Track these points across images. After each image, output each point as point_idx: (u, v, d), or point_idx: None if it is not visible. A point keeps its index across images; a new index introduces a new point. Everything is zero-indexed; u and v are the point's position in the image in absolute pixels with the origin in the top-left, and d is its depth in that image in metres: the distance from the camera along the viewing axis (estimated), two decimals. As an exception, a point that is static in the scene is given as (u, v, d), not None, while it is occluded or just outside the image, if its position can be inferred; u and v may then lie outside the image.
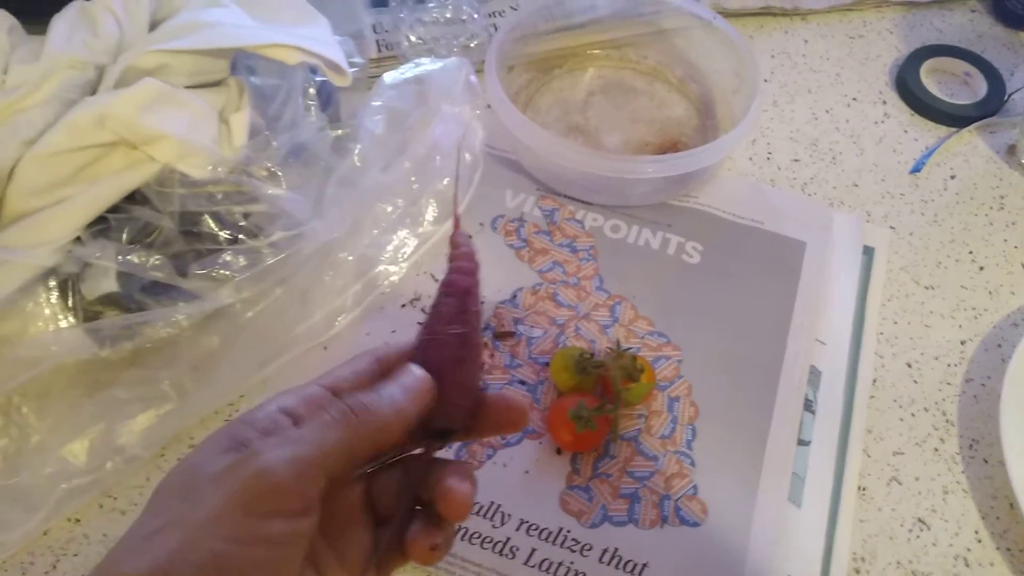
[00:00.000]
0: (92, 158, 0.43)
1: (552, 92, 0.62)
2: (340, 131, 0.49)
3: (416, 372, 0.28)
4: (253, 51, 0.44)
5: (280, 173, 0.44)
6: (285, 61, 0.45)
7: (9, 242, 0.43)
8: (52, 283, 0.43)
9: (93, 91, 0.45)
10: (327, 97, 0.52)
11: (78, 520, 0.43)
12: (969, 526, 0.44)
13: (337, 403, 0.26)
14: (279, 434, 0.25)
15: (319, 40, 0.47)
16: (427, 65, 0.50)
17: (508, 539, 0.42)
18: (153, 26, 0.48)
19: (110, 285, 0.43)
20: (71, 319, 0.43)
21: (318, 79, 0.50)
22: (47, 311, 0.43)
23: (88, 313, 0.43)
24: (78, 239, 0.43)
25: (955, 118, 0.62)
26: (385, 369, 0.29)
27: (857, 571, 0.42)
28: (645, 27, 0.62)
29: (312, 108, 0.47)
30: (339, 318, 0.49)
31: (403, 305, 0.50)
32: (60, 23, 0.46)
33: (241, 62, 0.48)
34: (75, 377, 0.45)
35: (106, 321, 0.42)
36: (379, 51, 0.60)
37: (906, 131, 0.62)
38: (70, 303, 0.43)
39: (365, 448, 0.26)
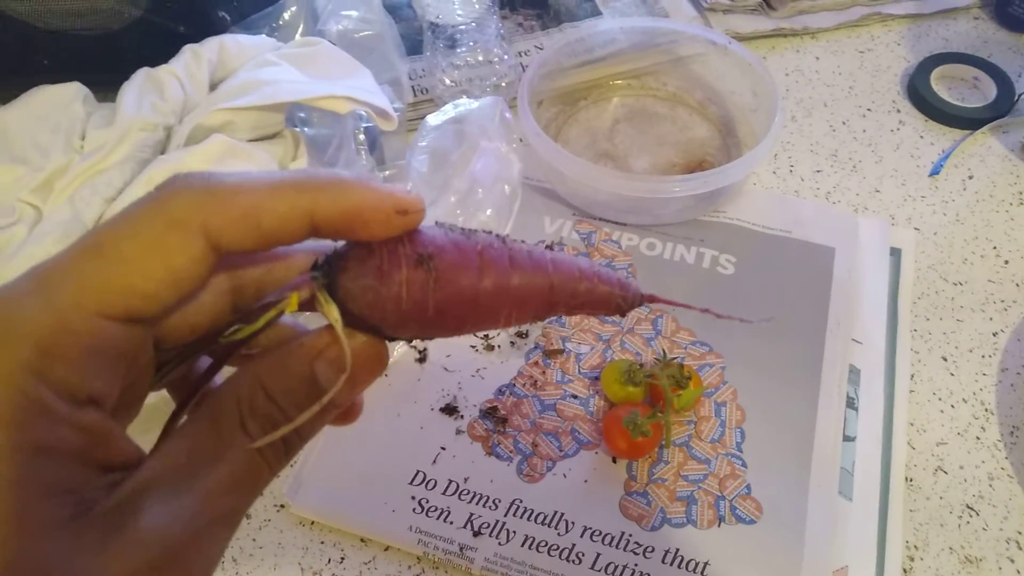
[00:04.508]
0: (166, 211, 0.47)
1: (579, 123, 0.65)
2: (388, 171, 0.52)
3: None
4: (308, 104, 0.48)
5: (338, 213, 0.48)
6: (337, 111, 0.49)
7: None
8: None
9: (163, 150, 0.49)
10: (372, 141, 0.55)
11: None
12: (1018, 510, 0.45)
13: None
14: None
15: (365, 89, 0.51)
16: (465, 105, 0.54)
17: (573, 545, 0.44)
18: (212, 87, 0.52)
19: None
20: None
21: (364, 125, 0.54)
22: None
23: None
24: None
25: (968, 121, 0.64)
26: None
27: (911, 559, 0.44)
28: (663, 56, 0.66)
29: (363, 152, 0.51)
30: (396, 348, 0.52)
31: (455, 331, 0.53)
32: (130, 90, 0.50)
33: (294, 114, 0.52)
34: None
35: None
36: (415, 96, 0.64)
37: (922, 136, 0.64)
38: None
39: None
